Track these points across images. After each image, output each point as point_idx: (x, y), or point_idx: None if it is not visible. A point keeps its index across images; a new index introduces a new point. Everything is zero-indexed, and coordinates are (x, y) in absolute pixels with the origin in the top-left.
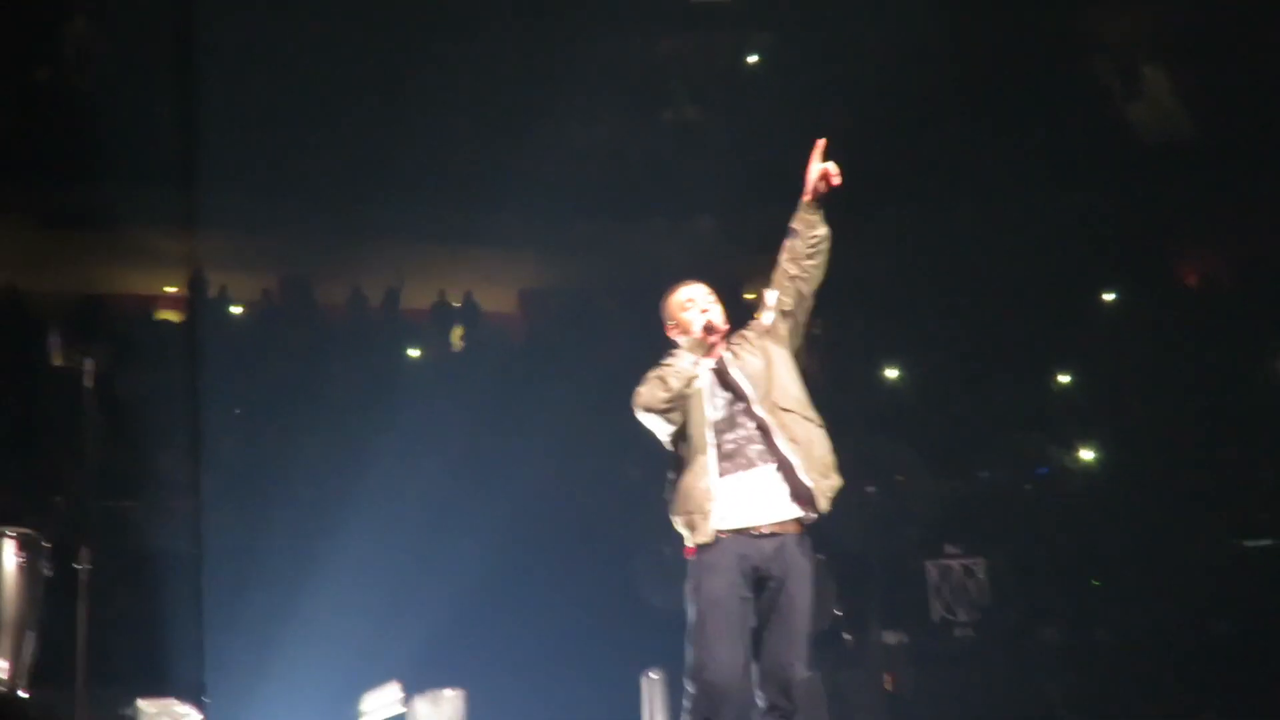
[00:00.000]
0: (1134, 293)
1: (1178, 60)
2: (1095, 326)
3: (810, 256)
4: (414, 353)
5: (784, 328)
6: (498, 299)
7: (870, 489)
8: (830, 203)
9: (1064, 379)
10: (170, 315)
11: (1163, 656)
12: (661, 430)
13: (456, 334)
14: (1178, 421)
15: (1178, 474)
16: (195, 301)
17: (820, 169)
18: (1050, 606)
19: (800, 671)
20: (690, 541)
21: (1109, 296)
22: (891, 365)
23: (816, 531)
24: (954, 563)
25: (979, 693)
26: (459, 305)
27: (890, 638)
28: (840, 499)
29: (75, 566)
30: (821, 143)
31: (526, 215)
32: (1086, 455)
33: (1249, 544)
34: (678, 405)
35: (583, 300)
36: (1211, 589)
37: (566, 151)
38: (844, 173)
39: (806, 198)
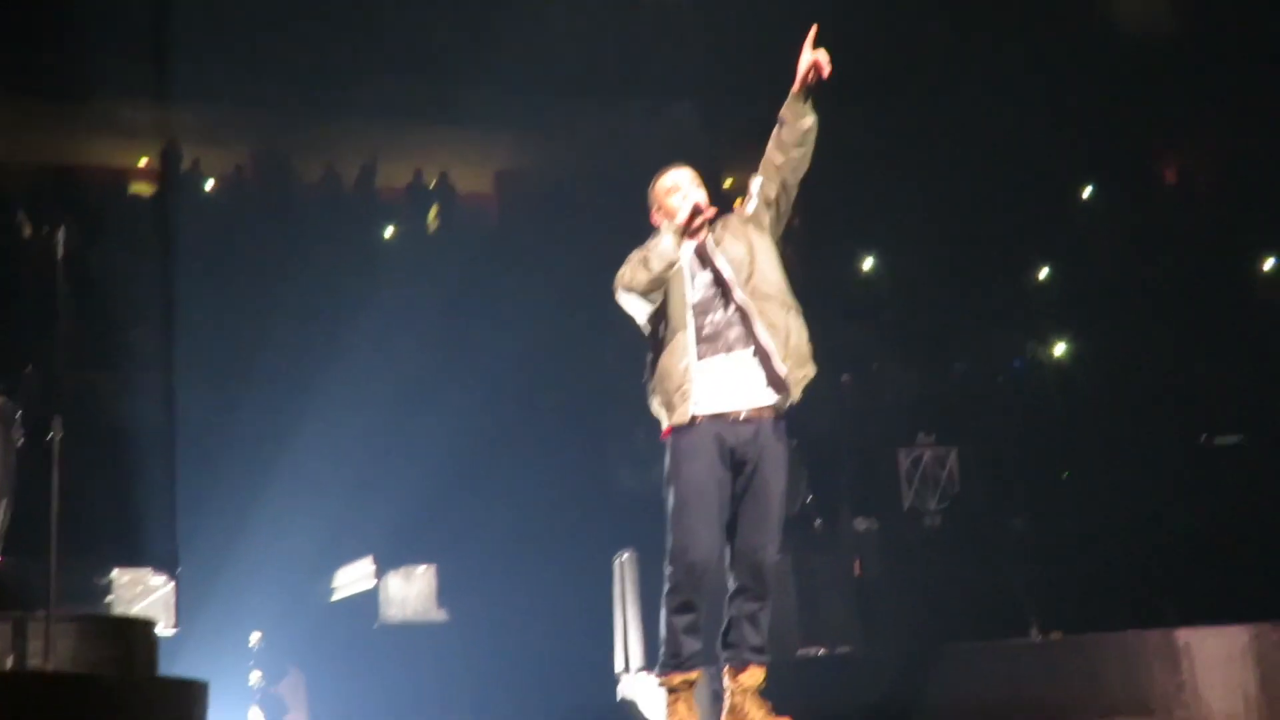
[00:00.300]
0: (1113, 189)
1: None
2: (1073, 222)
3: (798, 146)
4: (389, 232)
5: (767, 216)
6: (474, 179)
7: (845, 377)
8: (820, 93)
9: (1041, 274)
10: (143, 188)
11: (1128, 549)
12: (640, 311)
13: (432, 214)
14: (1151, 318)
15: (1149, 370)
16: (168, 175)
17: (811, 59)
18: (1019, 497)
19: (772, 555)
20: (667, 423)
21: (1088, 192)
22: (869, 255)
23: (789, 418)
24: (926, 451)
25: (945, 580)
26: (434, 185)
27: (860, 524)
28: (815, 386)
29: (48, 437)
30: (814, 29)
31: (504, 95)
32: (1060, 350)
33: (1217, 441)
34: (658, 287)
35: (559, 182)
36: (1178, 484)
37: (546, 31)
38: (829, 61)
39: (796, 88)
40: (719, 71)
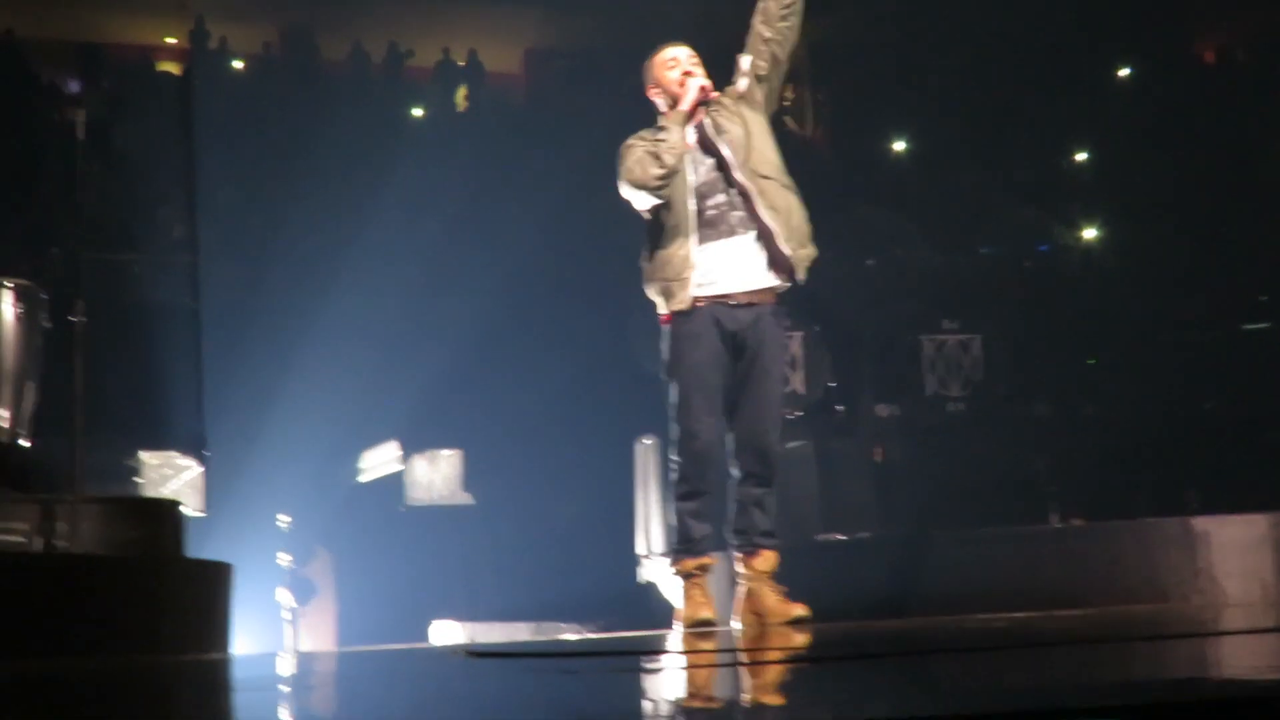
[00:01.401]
0: (1145, 68)
1: None
2: (1102, 102)
3: (784, 18)
4: (416, 111)
5: (760, 93)
6: (503, 58)
7: (869, 261)
8: None
9: (1068, 155)
10: (169, 67)
11: (1152, 436)
12: (647, 203)
13: (460, 93)
14: (1181, 202)
15: (1178, 255)
16: (195, 53)
17: None
18: (1044, 383)
19: (775, 439)
20: (665, 309)
21: (1120, 71)
22: (894, 137)
23: (811, 302)
24: (949, 338)
25: (966, 467)
26: (463, 64)
27: (882, 410)
28: (838, 271)
29: (72, 319)
30: None
31: None
32: (1088, 234)
33: (1247, 327)
34: (670, 180)
35: (589, 60)
36: (1205, 371)
37: None
38: None
39: None
40: None
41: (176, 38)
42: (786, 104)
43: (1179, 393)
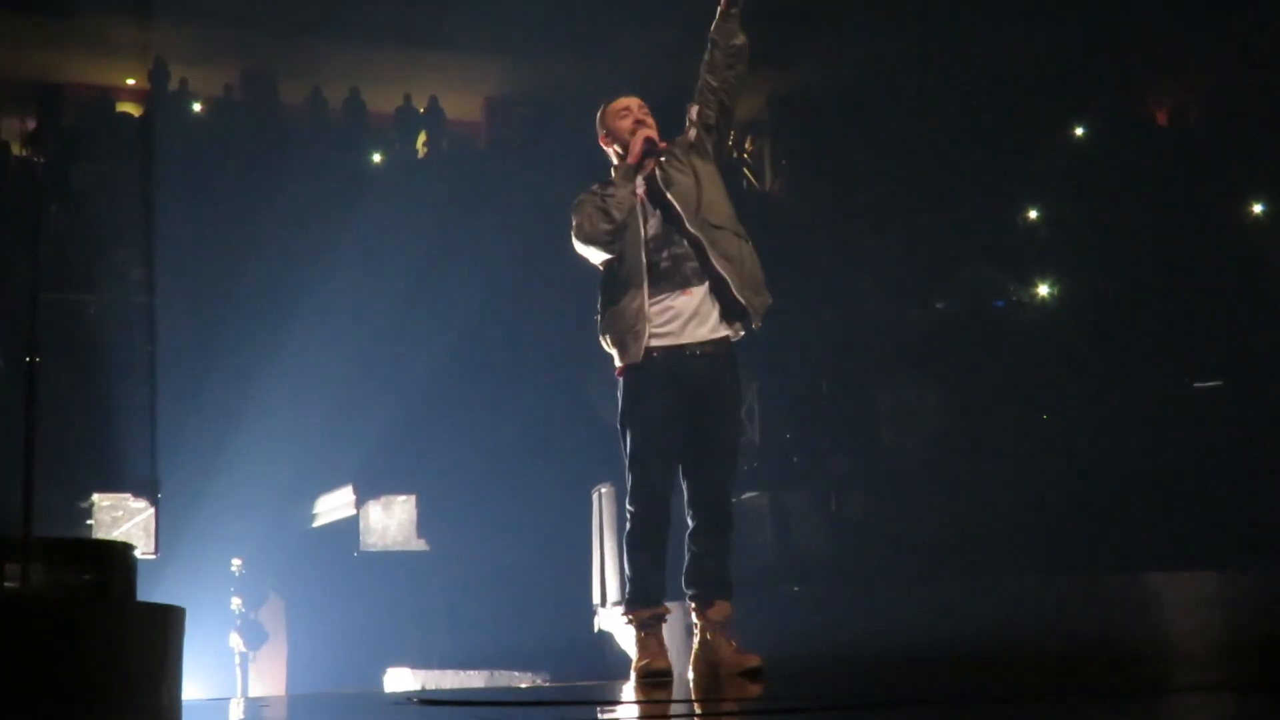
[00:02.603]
0: (1105, 129)
1: None
2: (1058, 160)
3: (730, 66)
4: (376, 156)
5: (709, 142)
6: (463, 105)
7: (825, 313)
8: (749, 11)
9: (1024, 212)
10: (129, 108)
11: (1104, 490)
12: (599, 258)
13: (420, 139)
14: (1136, 261)
15: (1132, 312)
16: (155, 94)
17: None
18: (998, 437)
19: (730, 488)
20: (620, 361)
21: (1075, 130)
22: (852, 190)
23: (768, 352)
24: (905, 390)
25: (921, 518)
26: (423, 110)
27: (838, 462)
28: (795, 320)
29: (28, 358)
30: None
31: (495, 20)
32: (1043, 290)
33: (1198, 385)
34: (621, 234)
35: (548, 110)
36: (1158, 427)
37: None
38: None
39: (724, 5)
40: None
41: (136, 79)
42: (745, 155)
43: (1132, 449)
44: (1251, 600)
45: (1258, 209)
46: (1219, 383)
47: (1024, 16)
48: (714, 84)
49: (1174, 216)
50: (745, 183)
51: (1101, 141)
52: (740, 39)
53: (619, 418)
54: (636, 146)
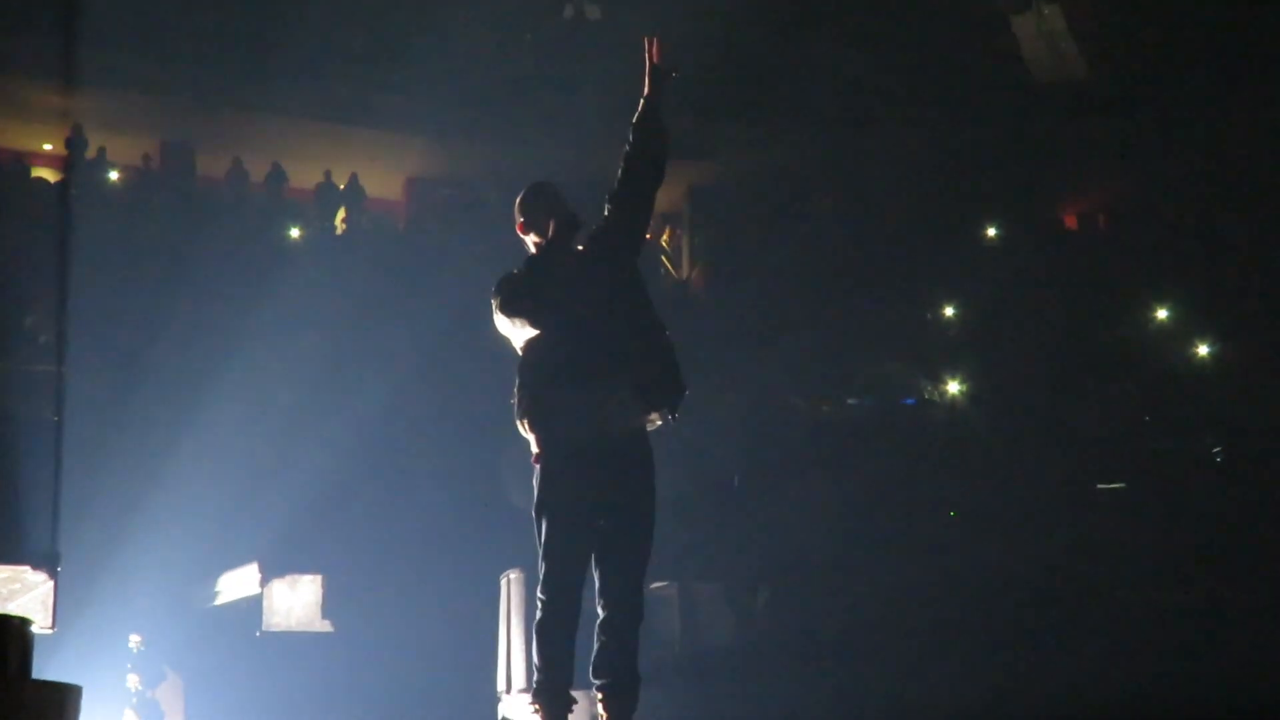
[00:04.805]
0: (1011, 229)
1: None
2: (969, 260)
3: (644, 164)
4: (294, 232)
5: (625, 234)
6: (384, 184)
7: (735, 404)
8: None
9: (936, 310)
10: (45, 173)
11: (1010, 590)
12: (517, 335)
13: (339, 216)
14: (1042, 360)
15: (1040, 411)
16: (72, 160)
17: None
18: (906, 534)
19: (641, 578)
20: (536, 447)
21: (988, 231)
22: (766, 284)
23: (678, 446)
24: (815, 483)
25: (829, 613)
26: (343, 187)
27: (748, 552)
28: (709, 414)
29: None
30: (653, 42)
31: (416, 101)
32: (953, 388)
33: (1101, 486)
34: (539, 317)
35: (469, 190)
36: (1061, 527)
37: (459, 38)
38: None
39: (649, 94)
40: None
41: (53, 144)
42: (663, 246)
43: (1036, 548)
44: None
45: (1162, 314)
46: (1121, 485)
47: (940, 119)
48: (629, 179)
49: (1082, 316)
50: (663, 271)
51: (1013, 243)
52: (661, 134)
53: (534, 505)
54: (551, 224)
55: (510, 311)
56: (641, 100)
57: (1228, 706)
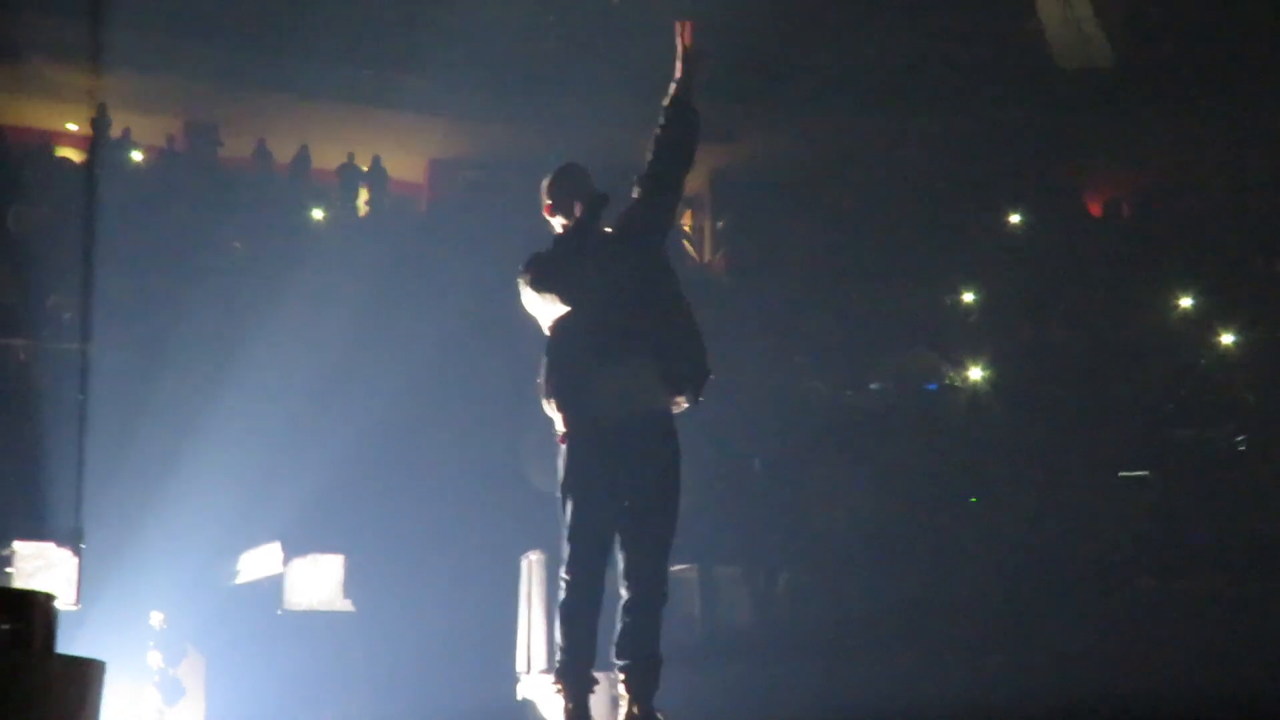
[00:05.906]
0: (1035, 216)
1: None
2: (995, 247)
3: (673, 143)
4: (317, 213)
5: (654, 216)
6: (406, 166)
7: (759, 391)
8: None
9: (961, 296)
10: (70, 153)
11: (1030, 576)
12: (546, 313)
13: (362, 198)
14: (1065, 348)
15: (1062, 398)
16: (97, 140)
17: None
18: (927, 519)
19: (664, 560)
20: (561, 427)
21: (1011, 218)
22: (790, 269)
23: (699, 429)
24: (836, 468)
25: (851, 595)
26: (366, 169)
27: (768, 537)
28: (732, 398)
29: None
30: (686, 26)
31: (440, 81)
32: (974, 374)
33: (1123, 474)
34: (569, 294)
35: (491, 173)
36: (1084, 514)
37: (485, 18)
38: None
39: (677, 77)
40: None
41: (78, 124)
42: (685, 231)
43: (1057, 536)
44: None
45: (1186, 302)
46: (1145, 472)
47: (965, 103)
48: (659, 159)
49: (1105, 305)
50: (685, 256)
51: (1037, 229)
52: (693, 114)
53: (559, 485)
54: (580, 205)
55: (541, 288)
56: (672, 83)
57: (1253, 694)
